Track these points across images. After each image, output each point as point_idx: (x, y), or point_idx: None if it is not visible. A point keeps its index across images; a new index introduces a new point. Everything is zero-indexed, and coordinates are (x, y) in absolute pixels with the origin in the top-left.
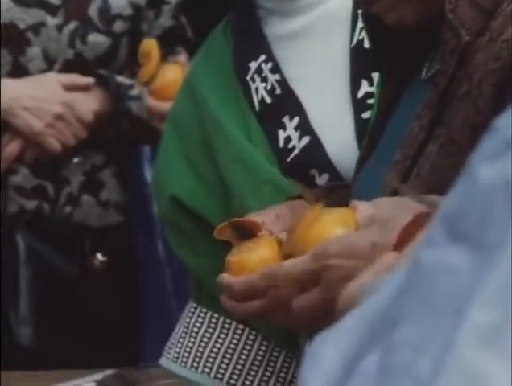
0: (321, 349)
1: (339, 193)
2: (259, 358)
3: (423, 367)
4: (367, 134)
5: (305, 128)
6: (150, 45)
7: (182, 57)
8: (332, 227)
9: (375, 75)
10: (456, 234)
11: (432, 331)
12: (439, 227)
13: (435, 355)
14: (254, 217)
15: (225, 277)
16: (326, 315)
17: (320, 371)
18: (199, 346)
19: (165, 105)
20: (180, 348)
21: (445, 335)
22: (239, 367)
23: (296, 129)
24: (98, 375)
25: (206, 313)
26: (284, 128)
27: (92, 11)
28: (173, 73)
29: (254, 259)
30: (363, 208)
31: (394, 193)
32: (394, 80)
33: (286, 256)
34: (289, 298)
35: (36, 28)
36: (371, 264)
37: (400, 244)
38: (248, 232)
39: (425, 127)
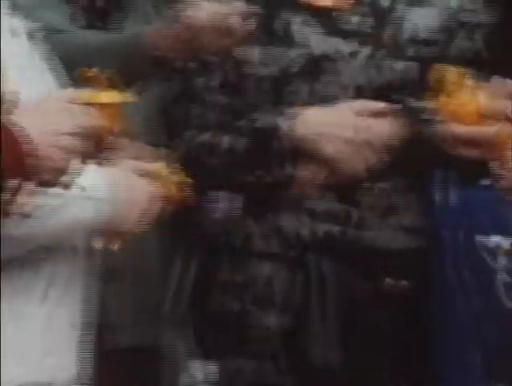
0: None
1: None
2: None
3: None
4: None
5: None
6: (451, 73)
7: (470, 81)
8: None
9: None
10: None
11: None
12: None
13: None
14: None
15: None
16: None
17: None
18: None
19: (462, 129)
20: None
21: None
22: None
23: None
24: None
25: None
26: None
27: (387, 37)
28: (469, 97)
29: None
30: None
31: None
32: None
33: None
34: None
35: (332, 56)
36: None
37: None
38: None
39: None
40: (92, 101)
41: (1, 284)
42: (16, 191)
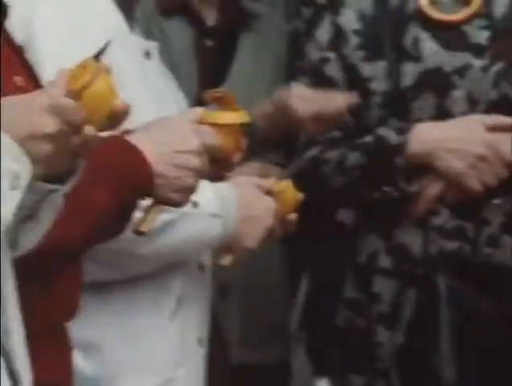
0: None
1: None
2: None
3: None
4: None
5: None
6: None
7: None
8: None
9: None
10: None
11: None
12: None
13: None
14: None
15: None
16: None
17: None
18: None
19: None
20: None
21: None
22: None
23: None
24: None
25: None
26: None
27: None
28: None
29: None
30: None
31: None
32: None
33: None
34: None
35: (462, 71)
36: None
37: None
38: None
39: None
40: (217, 121)
41: (135, 299)
42: (148, 210)
